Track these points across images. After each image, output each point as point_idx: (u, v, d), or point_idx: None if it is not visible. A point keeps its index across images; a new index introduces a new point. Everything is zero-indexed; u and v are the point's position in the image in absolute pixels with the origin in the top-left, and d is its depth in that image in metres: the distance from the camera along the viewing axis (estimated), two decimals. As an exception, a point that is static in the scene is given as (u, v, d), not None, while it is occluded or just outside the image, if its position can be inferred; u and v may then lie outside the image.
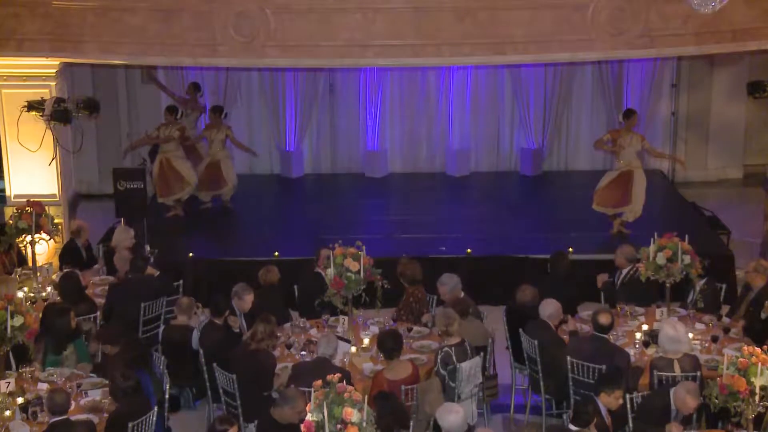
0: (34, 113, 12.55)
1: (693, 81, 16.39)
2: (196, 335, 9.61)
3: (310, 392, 7.21)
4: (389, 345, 8.67)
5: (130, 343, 9.15)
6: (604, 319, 9.03)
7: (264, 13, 11.66)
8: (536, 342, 9.32)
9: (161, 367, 9.23)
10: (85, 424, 7.94)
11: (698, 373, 8.55)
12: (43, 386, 8.67)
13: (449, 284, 10.02)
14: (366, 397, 7.00)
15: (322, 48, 11.85)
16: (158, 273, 10.88)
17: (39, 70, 12.59)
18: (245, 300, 9.92)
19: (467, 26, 11.70)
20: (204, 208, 14.59)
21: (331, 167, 16.52)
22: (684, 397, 7.99)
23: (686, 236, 9.97)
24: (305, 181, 16.15)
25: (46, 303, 10.29)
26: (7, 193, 13.13)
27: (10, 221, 11.24)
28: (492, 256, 12.68)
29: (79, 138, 13.37)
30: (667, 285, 9.93)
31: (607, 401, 7.96)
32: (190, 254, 12.62)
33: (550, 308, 9.51)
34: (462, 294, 10.02)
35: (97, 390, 8.64)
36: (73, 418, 8.02)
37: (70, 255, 11.64)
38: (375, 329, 9.82)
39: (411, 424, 7.98)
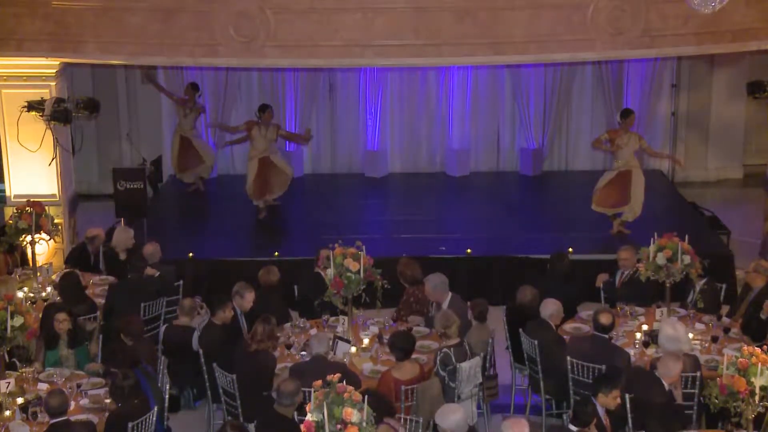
0: (34, 113, 12.55)
1: (693, 81, 16.39)
2: (196, 336, 9.61)
3: (309, 392, 7.22)
4: (403, 346, 8.67)
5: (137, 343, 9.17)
6: (604, 318, 9.03)
7: (264, 13, 11.65)
8: (536, 342, 9.32)
9: (161, 366, 9.23)
10: (86, 425, 7.94)
11: (698, 373, 8.55)
12: (43, 386, 8.68)
13: (433, 282, 10.00)
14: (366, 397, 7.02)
15: (322, 48, 11.85)
16: (158, 274, 10.88)
17: (39, 70, 12.57)
18: (246, 298, 9.92)
19: (467, 26, 11.70)
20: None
21: (331, 167, 16.51)
22: (666, 363, 8.09)
23: (686, 236, 9.96)
24: (305, 181, 16.14)
25: (46, 303, 10.30)
26: (7, 193, 13.12)
27: (10, 221, 11.24)
28: (492, 256, 12.68)
29: (79, 138, 13.38)
30: (667, 285, 9.93)
31: (604, 402, 7.96)
32: (190, 254, 12.62)
33: (551, 308, 9.52)
34: (449, 295, 9.98)
35: (98, 390, 8.64)
36: (73, 418, 8.03)
37: (76, 258, 11.63)
38: (375, 329, 9.83)
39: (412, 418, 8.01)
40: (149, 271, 10.81)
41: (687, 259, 9.78)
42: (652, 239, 9.95)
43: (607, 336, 9.06)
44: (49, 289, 10.93)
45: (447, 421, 7.43)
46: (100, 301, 10.53)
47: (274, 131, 14.05)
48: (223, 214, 14.73)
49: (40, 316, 9.80)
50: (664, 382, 8.20)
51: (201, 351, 9.33)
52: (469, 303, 9.76)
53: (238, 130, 14.44)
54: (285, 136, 14.58)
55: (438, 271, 10.24)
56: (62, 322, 9.25)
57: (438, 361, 8.80)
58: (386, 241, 12.95)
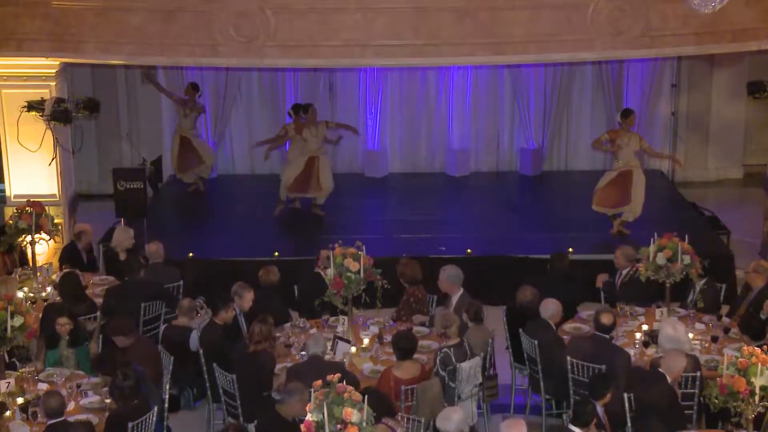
0: (34, 113, 12.55)
1: (693, 81, 16.39)
2: (194, 336, 9.60)
3: (309, 392, 7.22)
4: (404, 346, 8.68)
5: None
6: (606, 318, 9.02)
7: (264, 13, 11.66)
8: (536, 342, 9.32)
9: (169, 366, 9.23)
10: (83, 425, 7.92)
11: (698, 373, 8.55)
12: (43, 386, 8.67)
13: (447, 272, 10.05)
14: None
15: (322, 48, 11.85)
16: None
17: (39, 70, 12.58)
18: (245, 298, 9.92)
19: (467, 26, 11.70)
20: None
21: (332, 167, 16.43)
22: (668, 360, 8.14)
23: (686, 236, 9.97)
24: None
25: (46, 303, 10.29)
26: (7, 193, 13.12)
27: (10, 221, 11.23)
28: (492, 256, 12.68)
29: (79, 138, 13.38)
30: (667, 285, 9.93)
31: (609, 399, 7.98)
32: (190, 254, 12.62)
33: (551, 308, 9.51)
34: (461, 290, 10.03)
35: (98, 390, 8.64)
36: (72, 418, 8.03)
37: (68, 258, 11.63)
38: (375, 329, 9.83)
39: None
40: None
41: (687, 259, 9.78)
42: (652, 239, 9.95)
43: (608, 336, 9.05)
44: (49, 289, 10.92)
45: (449, 424, 7.40)
46: (100, 301, 10.52)
47: (324, 127, 14.00)
48: (223, 214, 14.74)
49: (40, 316, 9.80)
50: (667, 377, 8.19)
51: (201, 351, 9.33)
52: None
53: (282, 137, 14.41)
54: (335, 127, 14.40)
55: (438, 272, 10.25)
56: (64, 326, 9.24)
57: (438, 361, 8.80)
58: (386, 241, 12.95)
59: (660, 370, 8.27)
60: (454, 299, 10.00)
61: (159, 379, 9.08)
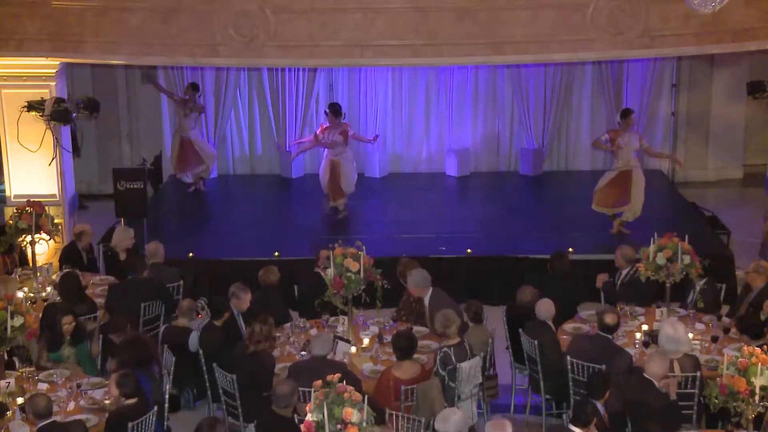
0: (34, 113, 12.56)
1: (693, 81, 16.39)
2: (194, 337, 9.59)
3: (309, 392, 7.22)
4: (404, 345, 8.67)
5: (134, 344, 9.14)
6: (610, 319, 9.02)
7: (264, 13, 11.66)
8: (536, 342, 9.32)
9: (171, 366, 9.22)
10: (76, 425, 7.90)
11: (698, 373, 8.55)
12: (43, 386, 8.66)
13: (415, 278, 10.00)
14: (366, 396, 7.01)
15: (322, 48, 11.86)
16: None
17: (39, 70, 12.59)
18: (243, 299, 9.91)
19: (467, 26, 11.71)
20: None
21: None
22: (650, 364, 8.15)
23: (686, 236, 9.96)
24: (305, 181, 16.13)
25: (46, 303, 10.29)
26: (7, 193, 13.14)
27: (10, 221, 11.24)
28: (492, 256, 12.68)
29: (79, 138, 13.38)
30: (667, 285, 9.92)
31: (608, 396, 7.98)
32: (190, 254, 12.61)
33: (551, 309, 9.50)
34: (430, 290, 9.99)
35: (98, 390, 8.64)
36: (72, 418, 8.02)
37: (68, 258, 11.63)
38: (375, 329, 9.83)
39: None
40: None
41: (687, 259, 9.77)
42: (652, 239, 9.94)
43: (611, 336, 9.05)
44: (49, 289, 10.92)
45: (447, 425, 7.39)
46: (100, 301, 10.53)
47: (340, 136, 13.78)
48: (223, 214, 14.74)
49: (40, 316, 9.80)
50: (654, 382, 8.18)
51: (201, 351, 9.33)
52: (462, 305, 9.69)
53: (313, 141, 14.43)
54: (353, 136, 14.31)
55: (438, 271, 10.25)
56: (69, 325, 9.23)
57: (438, 361, 8.79)
58: (386, 241, 12.95)
59: (645, 375, 8.24)
60: (426, 300, 9.97)
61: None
